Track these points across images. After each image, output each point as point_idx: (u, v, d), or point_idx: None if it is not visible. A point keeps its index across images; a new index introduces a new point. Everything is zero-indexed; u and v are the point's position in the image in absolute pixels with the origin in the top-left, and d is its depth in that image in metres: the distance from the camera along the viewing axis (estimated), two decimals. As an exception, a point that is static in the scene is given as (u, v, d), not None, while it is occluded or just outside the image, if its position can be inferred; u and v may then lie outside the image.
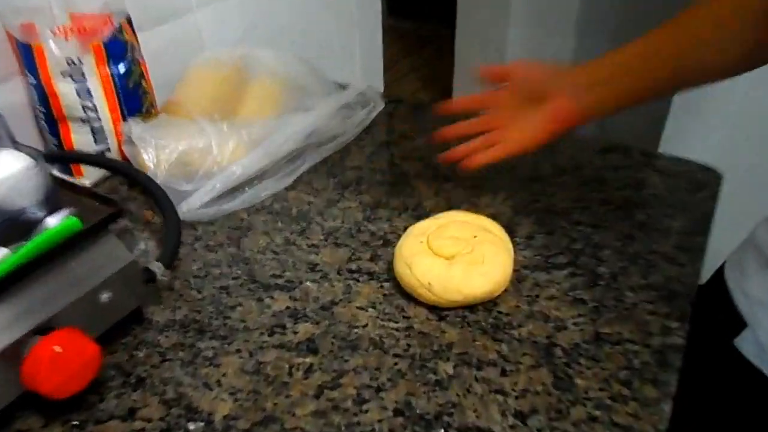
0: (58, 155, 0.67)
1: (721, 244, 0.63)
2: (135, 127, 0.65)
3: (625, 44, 0.54)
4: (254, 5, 0.96)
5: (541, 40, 2.28)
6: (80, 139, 0.69)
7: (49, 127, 0.69)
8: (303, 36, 1.10)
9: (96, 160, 0.68)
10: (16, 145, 0.47)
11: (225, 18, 0.92)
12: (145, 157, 0.63)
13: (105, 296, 0.46)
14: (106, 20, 0.66)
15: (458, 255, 0.52)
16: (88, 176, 0.71)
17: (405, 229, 0.59)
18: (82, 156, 0.68)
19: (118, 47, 0.67)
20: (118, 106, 0.69)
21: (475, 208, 0.64)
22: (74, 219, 0.43)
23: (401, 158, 0.74)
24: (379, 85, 1.38)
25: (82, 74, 0.66)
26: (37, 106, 0.67)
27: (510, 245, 0.55)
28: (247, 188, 0.68)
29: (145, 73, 0.72)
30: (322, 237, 0.62)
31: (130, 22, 0.70)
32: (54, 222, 0.43)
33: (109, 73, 0.67)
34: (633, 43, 0.53)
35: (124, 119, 0.69)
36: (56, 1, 0.64)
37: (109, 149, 0.70)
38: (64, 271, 0.43)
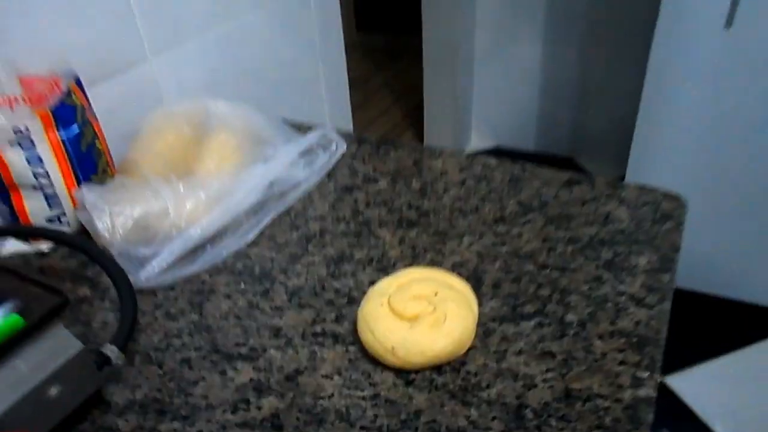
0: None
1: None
2: (88, 194, 0.63)
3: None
4: (213, 49, 0.95)
5: (508, 46, 2.29)
6: (34, 206, 0.67)
7: (1, 195, 0.66)
8: (267, 74, 1.08)
9: (33, 231, 0.65)
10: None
11: (183, 65, 0.90)
12: (99, 225, 0.61)
13: (54, 390, 0.44)
14: (52, 85, 0.64)
15: (421, 315, 0.51)
16: (46, 242, 0.69)
17: (370, 284, 0.58)
18: (12, 229, 0.66)
19: (67, 111, 0.65)
20: (71, 171, 0.67)
21: (440, 256, 0.63)
22: (16, 316, 0.41)
23: (365, 204, 0.73)
24: (347, 114, 1.37)
25: (31, 141, 0.64)
26: (-14, 176, 0.66)
27: (474, 300, 0.54)
28: (208, 246, 0.66)
29: (98, 133, 0.70)
30: (285, 297, 0.60)
31: (79, 82, 0.69)
32: (-7, 321, 0.41)
33: (59, 138, 0.65)
34: None
35: (79, 183, 0.67)
36: (1, 64, 0.63)
37: (64, 214, 0.68)
38: (5, 370, 0.41)
